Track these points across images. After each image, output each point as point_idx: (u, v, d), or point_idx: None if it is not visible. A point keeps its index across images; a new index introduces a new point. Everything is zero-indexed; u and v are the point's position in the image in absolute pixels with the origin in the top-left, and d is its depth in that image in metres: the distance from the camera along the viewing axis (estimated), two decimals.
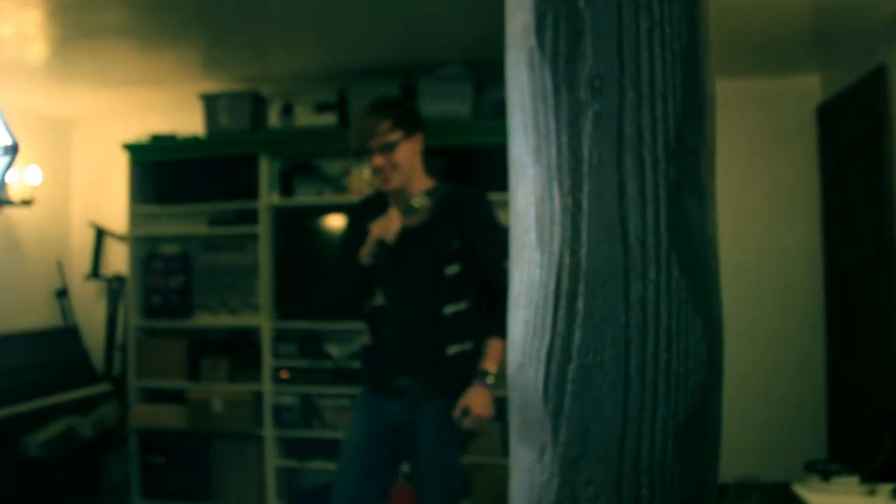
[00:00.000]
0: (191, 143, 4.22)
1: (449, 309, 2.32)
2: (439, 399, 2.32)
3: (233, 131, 4.09)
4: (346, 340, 4.10)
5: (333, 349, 4.10)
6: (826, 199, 3.97)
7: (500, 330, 2.22)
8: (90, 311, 4.81)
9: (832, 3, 3.13)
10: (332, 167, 4.19)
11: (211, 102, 4.11)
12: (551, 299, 0.90)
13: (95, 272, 4.74)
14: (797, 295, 4.00)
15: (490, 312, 2.36)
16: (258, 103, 4.11)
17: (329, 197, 4.11)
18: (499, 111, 3.90)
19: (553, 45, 0.89)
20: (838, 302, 3.89)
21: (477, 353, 2.37)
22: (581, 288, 0.89)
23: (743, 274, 4.00)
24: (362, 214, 2.43)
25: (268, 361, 4.11)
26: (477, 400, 2.27)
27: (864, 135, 3.49)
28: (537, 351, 0.91)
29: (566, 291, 0.90)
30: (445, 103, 3.78)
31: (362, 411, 2.45)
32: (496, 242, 2.34)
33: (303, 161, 4.19)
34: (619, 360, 0.88)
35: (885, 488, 2.37)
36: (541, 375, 0.91)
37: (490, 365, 2.33)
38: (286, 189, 4.17)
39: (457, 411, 2.28)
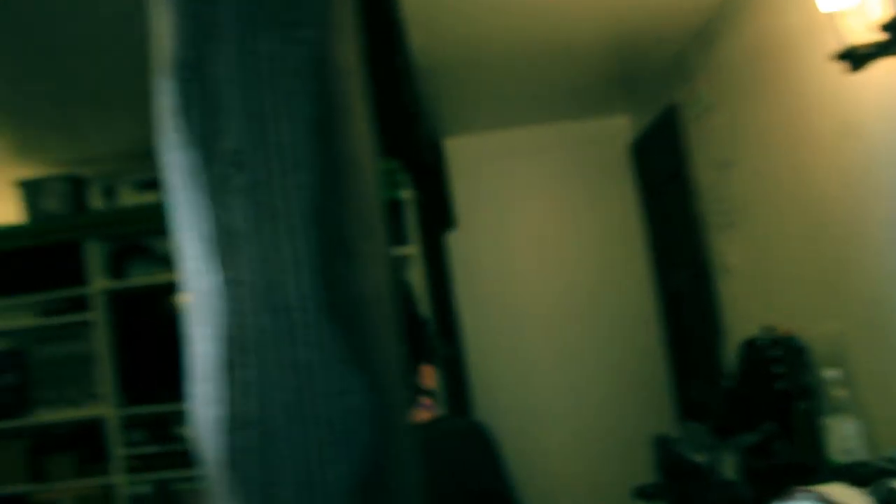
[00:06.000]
0: (9, 232, 4.04)
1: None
2: None
3: (54, 217, 3.95)
4: None
5: (185, 431, 3.97)
6: (648, 230, 4.19)
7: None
8: None
9: (626, 48, 3.35)
10: (164, 245, 4.10)
11: (28, 189, 3.96)
12: (221, 371, 0.92)
13: None
14: (636, 322, 4.17)
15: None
16: (79, 186, 4.00)
17: (165, 276, 4.01)
18: None
19: (197, 125, 0.93)
20: (673, 325, 4.08)
21: None
22: (249, 357, 0.91)
23: (582, 307, 4.16)
24: None
25: (117, 451, 3.93)
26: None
27: (671, 169, 3.73)
28: (217, 424, 0.92)
29: (234, 363, 0.91)
30: None
31: None
32: None
33: (132, 242, 4.09)
34: (292, 425, 0.90)
35: None
36: (222, 446, 0.92)
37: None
38: (118, 272, 4.04)
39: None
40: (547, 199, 4.23)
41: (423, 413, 2.39)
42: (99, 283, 3.98)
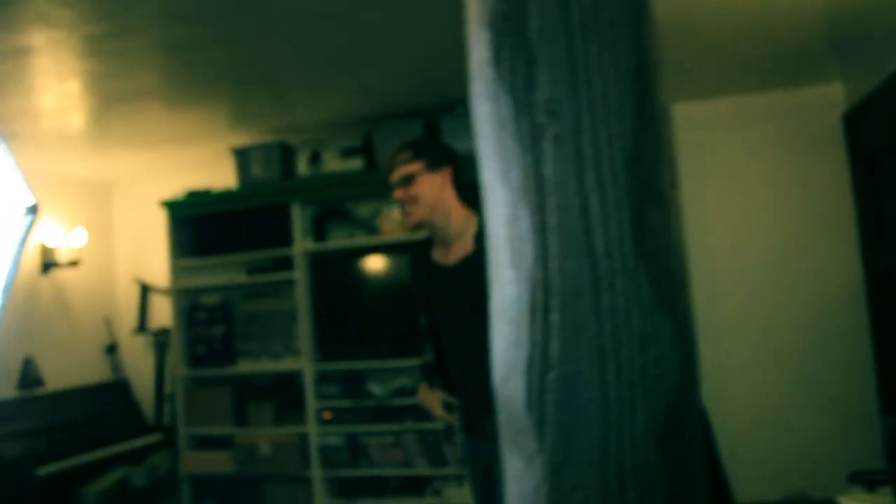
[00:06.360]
0: (224, 196, 4.37)
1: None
2: None
3: (264, 182, 4.22)
4: (388, 379, 4.16)
5: (375, 388, 4.15)
6: (860, 205, 3.93)
7: None
8: (139, 364, 4.95)
9: (844, 11, 3.14)
10: (362, 210, 4.29)
11: (242, 155, 4.25)
12: (527, 313, 0.95)
13: (142, 326, 4.89)
14: (838, 301, 3.94)
15: None
16: (287, 153, 4.25)
17: (362, 239, 4.19)
18: None
19: (511, 76, 0.95)
20: (882, 306, 3.81)
21: None
22: (554, 301, 0.93)
23: (782, 284, 3.98)
24: (418, 258, 2.39)
25: (311, 403, 4.18)
26: None
27: (893, 140, 3.46)
28: (518, 363, 0.96)
29: (540, 305, 0.94)
30: (466, 139, 3.86)
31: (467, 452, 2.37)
32: None
33: (333, 206, 4.31)
34: (595, 368, 0.92)
35: None
36: (523, 386, 0.95)
37: None
38: (319, 234, 4.27)
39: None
40: (750, 170, 4.05)
41: None
42: (302, 244, 4.22)
